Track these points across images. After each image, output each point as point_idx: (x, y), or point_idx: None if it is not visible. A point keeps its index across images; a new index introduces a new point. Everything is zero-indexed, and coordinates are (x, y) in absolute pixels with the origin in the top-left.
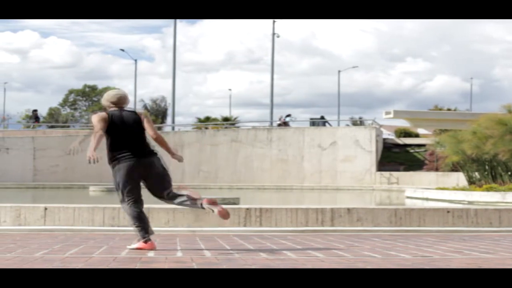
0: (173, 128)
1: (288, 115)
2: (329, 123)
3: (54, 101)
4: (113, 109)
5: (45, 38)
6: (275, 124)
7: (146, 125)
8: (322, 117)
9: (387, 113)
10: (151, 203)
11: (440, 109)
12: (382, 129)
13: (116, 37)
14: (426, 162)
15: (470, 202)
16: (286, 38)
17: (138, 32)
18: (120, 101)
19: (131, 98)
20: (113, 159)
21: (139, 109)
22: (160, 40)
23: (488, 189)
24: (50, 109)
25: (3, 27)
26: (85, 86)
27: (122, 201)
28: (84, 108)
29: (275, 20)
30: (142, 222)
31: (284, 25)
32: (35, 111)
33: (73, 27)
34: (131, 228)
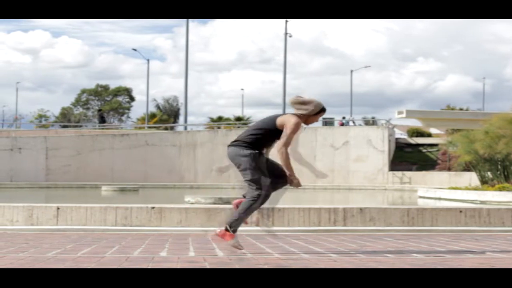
0: (185, 128)
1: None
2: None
3: (66, 100)
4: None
5: (56, 37)
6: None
7: None
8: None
9: (400, 112)
10: (163, 203)
11: (452, 109)
12: (394, 129)
13: (127, 37)
14: (439, 161)
15: (482, 202)
16: (297, 38)
17: (150, 32)
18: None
19: (143, 98)
20: (257, 150)
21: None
22: (171, 40)
23: (500, 189)
24: (63, 108)
25: (14, 27)
26: (98, 85)
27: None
28: (97, 107)
29: (288, 20)
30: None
31: (295, 25)
32: (100, 110)
33: (84, 26)
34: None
